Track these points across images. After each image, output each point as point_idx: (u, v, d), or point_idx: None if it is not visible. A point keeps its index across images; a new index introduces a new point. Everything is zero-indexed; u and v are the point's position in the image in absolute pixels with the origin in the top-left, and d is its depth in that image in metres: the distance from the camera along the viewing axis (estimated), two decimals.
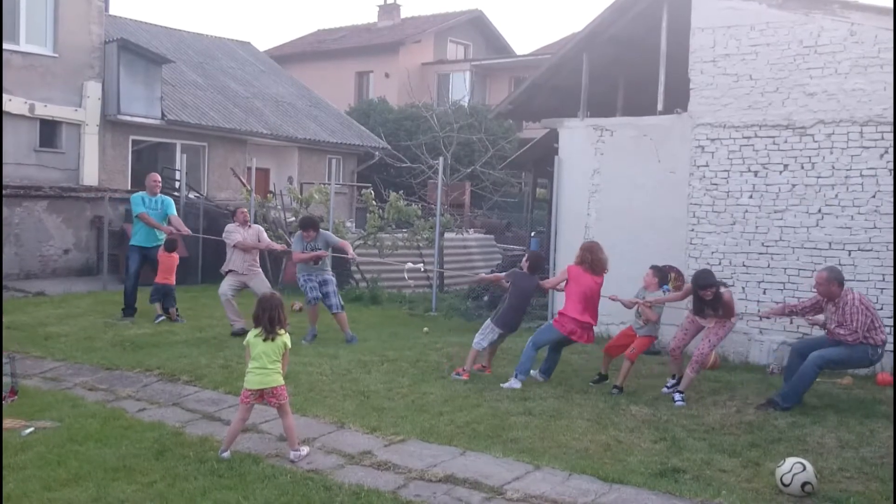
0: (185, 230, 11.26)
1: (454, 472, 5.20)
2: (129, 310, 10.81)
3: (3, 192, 14.16)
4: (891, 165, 8.73)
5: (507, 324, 8.19)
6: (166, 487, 4.89)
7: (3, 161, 14.94)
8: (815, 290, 7.42)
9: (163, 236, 10.81)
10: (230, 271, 10.04)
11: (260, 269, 10.33)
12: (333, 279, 9.95)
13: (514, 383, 7.70)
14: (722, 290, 7.46)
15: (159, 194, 10.98)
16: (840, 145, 9.00)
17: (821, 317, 7.43)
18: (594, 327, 7.95)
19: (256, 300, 5.81)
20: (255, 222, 14.69)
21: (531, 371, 8.02)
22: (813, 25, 9.12)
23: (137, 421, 6.29)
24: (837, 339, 7.14)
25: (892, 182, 8.72)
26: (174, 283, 10.84)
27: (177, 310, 10.81)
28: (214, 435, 5.85)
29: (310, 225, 9.76)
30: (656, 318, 7.81)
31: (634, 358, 7.75)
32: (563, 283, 8.04)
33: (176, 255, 10.86)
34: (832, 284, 7.14)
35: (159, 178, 11.19)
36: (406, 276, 10.72)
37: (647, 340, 7.89)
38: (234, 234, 10.07)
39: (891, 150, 8.72)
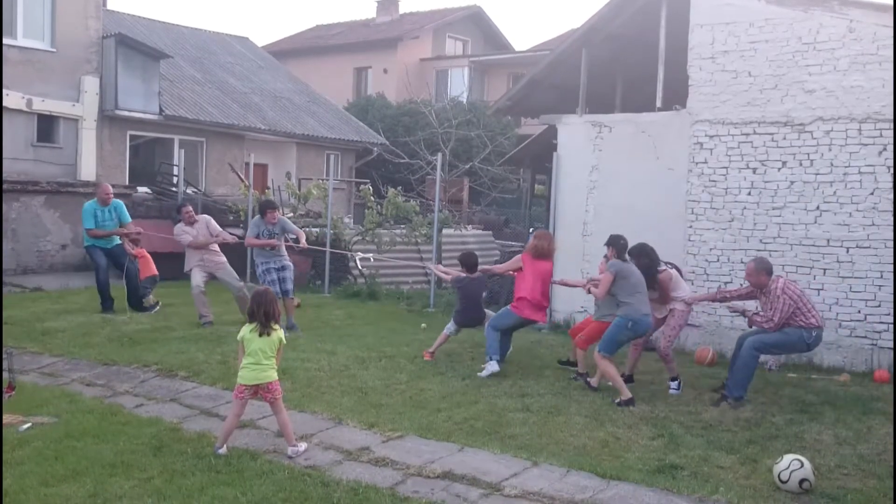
0: (137, 229, 11.44)
1: (452, 468, 5.20)
2: (107, 303, 10.93)
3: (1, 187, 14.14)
4: (889, 162, 8.74)
5: (464, 322, 8.65)
6: (164, 483, 4.88)
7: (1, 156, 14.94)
8: (746, 280, 7.59)
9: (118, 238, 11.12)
10: (195, 267, 10.25)
11: (224, 260, 10.51)
12: (291, 265, 10.17)
13: (492, 366, 7.84)
14: (662, 268, 7.87)
15: (112, 202, 11.07)
16: (839, 142, 9.01)
17: (740, 304, 7.63)
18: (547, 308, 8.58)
19: (251, 295, 5.79)
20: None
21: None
22: (812, 22, 9.12)
23: (135, 417, 6.29)
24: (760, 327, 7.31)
25: (890, 179, 8.73)
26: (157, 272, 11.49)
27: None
28: (212, 431, 5.85)
29: (273, 207, 10.00)
30: (602, 296, 7.63)
31: (586, 345, 7.82)
32: (516, 270, 8.44)
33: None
34: (761, 274, 7.31)
35: (110, 189, 11.15)
36: (358, 264, 11.06)
37: (604, 325, 7.75)
38: (183, 235, 10.25)
39: (889, 148, 8.73)
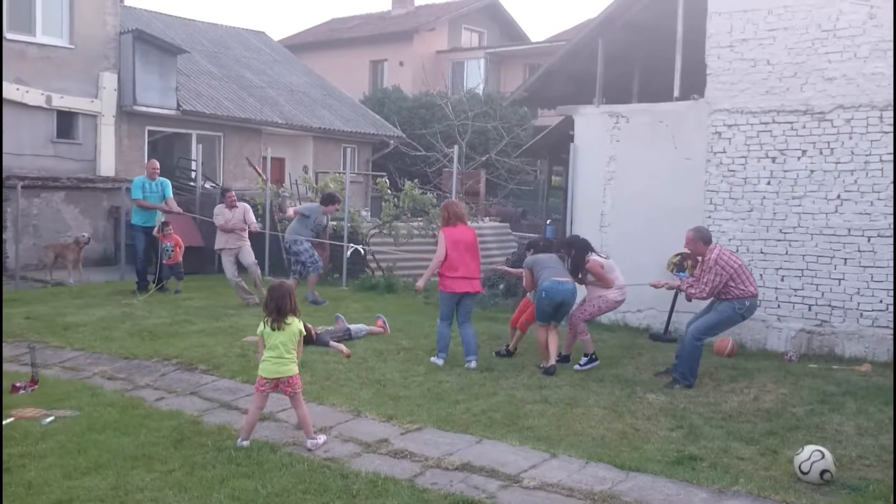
0: (178, 209, 12.81)
1: (470, 460, 5.21)
2: (143, 283, 12.16)
3: (21, 183, 14.26)
4: None
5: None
6: (185, 476, 4.93)
7: (21, 153, 15.13)
8: (686, 248, 7.83)
9: (158, 215, 12.23)
10: (222, 250, 11.38)
11: (248, 244, 11.53)
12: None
13: (437, 360, 7.96)
14: (590, 257, 8.21)
15: (158, 178, 12.44)
16: (859, 130, 8.90)
17: (676, 282, 7.98)
18: (478, 277, 8.20)
19: (268, 289, 5.81)
20: (271, 212, 14.81)
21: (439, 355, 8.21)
22: (831, 9, 9.00)
23: (156, 410, 6.35)
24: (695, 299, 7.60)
25: None
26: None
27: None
28: (232, 423, 5.89)
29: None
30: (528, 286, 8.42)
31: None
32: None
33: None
34: (697, 243, 7.53)
35: (157, 165, 12.66)
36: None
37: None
38: (218, 216, 11.46)
39: None
